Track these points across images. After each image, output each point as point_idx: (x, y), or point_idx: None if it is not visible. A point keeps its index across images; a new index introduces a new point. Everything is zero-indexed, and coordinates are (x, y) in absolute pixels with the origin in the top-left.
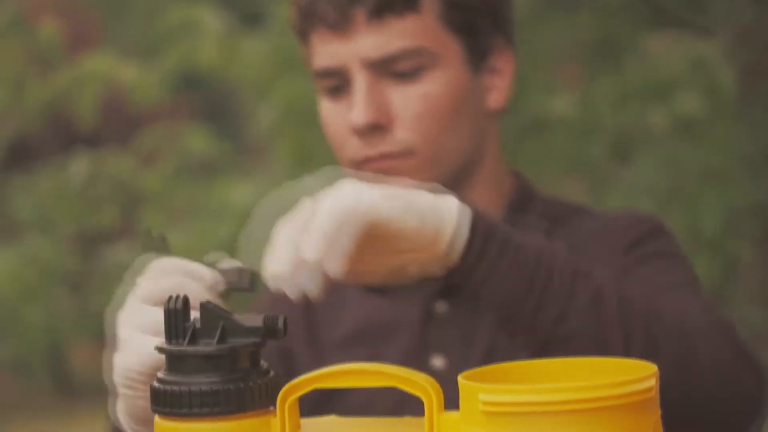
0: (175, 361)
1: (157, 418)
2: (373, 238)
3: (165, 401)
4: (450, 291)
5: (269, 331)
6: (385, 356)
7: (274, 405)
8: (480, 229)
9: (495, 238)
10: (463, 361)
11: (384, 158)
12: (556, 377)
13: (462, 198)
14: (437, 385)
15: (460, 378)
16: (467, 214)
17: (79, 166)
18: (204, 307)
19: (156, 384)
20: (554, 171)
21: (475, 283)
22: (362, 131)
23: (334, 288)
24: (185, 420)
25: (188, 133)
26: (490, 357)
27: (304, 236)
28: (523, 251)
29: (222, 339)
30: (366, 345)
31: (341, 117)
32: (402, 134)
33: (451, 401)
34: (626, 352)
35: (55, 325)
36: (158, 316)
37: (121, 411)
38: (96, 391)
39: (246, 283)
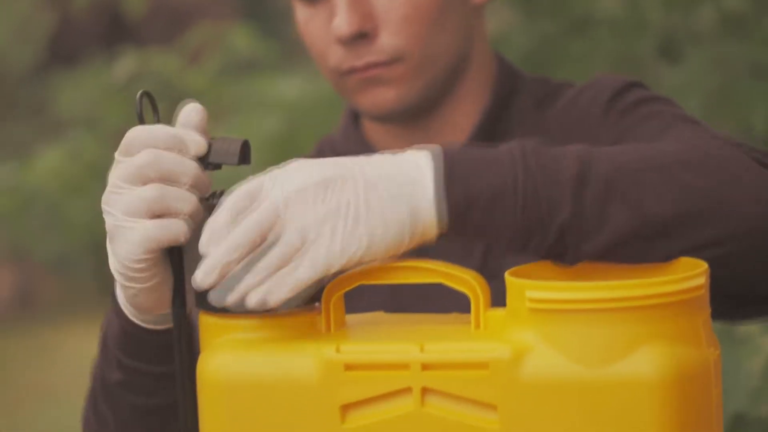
0: None
1: (202, 315)
2: None
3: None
4: None
5: None
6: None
7: (320, 302)
8: (458, 205)
9: (475, 204)
10: (462, 261)
11: (371, 67)
12: (605, 275)
13: (450, 99)
14: (484, 282)
15: (507, 274)
16: (441, 191)
17: (124, 64)
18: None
19: None
20: (600, 70)
21: (473, 239)
22: (346, 41)
23: None
24: (230, 317)
25: (232, 31)
26: (489, 255)
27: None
28: (509, 199)
29: None
30: None
31: (321, 24)
32: (389, 40)
33: (457, 305)
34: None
35: (98, 223)
36: (141, 195)
37: (120, 297)
38: None
39: (233, 157)
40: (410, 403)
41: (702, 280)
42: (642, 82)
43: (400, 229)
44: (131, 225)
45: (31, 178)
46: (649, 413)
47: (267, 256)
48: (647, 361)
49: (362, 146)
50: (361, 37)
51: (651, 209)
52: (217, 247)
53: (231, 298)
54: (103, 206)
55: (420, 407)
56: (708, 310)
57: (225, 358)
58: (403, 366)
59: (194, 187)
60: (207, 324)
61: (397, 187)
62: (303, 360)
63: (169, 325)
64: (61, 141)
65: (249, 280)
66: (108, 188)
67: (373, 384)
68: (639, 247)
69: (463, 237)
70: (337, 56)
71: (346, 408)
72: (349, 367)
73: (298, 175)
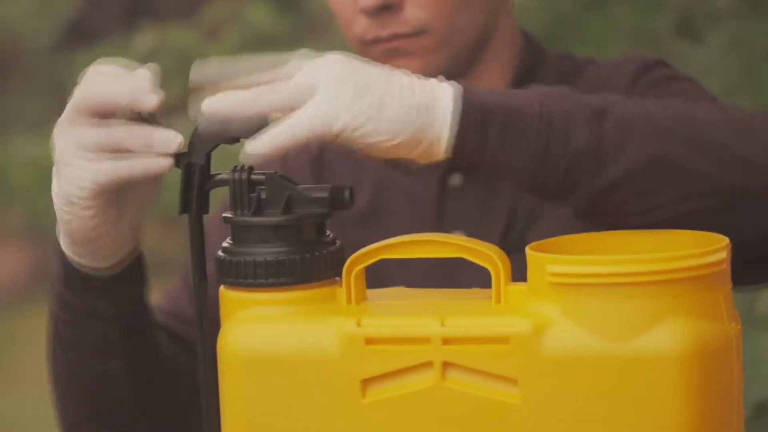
0: (240, 232)
1: (222, 288)
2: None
3: (230, 271)
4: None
5: (335, 201)
6: (403, 233)
7: (340, 275)
8: (475, 113)
9: (492, 118)
10: (482, 235)
11: (395, 39)
12: (626, 249)
13: (471, 73)
14: (504, 256)
15: (528, 249)
16: (459, 102)
17: (143, 40)
18: (270, 177)
19: (221, 254)
20: (617, 47)
21: (484, 167)
22: (372, 12)
23: (349, 160)
24: (250, 290)
25: (251, 6)
26: (509, 229)
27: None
28: (528, 117)
29: (288, 210)
30: (382, 221)
31: None
32: (414, 12)
33: (474, 280)
34: (681, 171)
35: None
36: (92, 130)
37: (62, 239)
38: (162, 270)
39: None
40: (431, 377)
41: (723, 255)
42: (666, 60)
43: (415, 111)
44: (82, 163)
45: (50, 153)
46: (670, 387)
47: (276, 91)
48: (668, 336)
49: None
50: (387, 8)
51: (666, 149)
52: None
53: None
54: (54, 138)
55: (441, 381)
56: (729, 285)
57: (245, 332)
58: (424, 340)
59: (134, 105)
60: (227, 298)
61: (420, 85)
62: (324, 334)
63: (106, 267)
64: None
65: (255, 106)
66: (62, 119)
67: (394, 358)
68: (652, 185)
69: (477, 158)
70: (361, 26)
71: (366, 382)
72: (369, 341)
73: (335, 54)
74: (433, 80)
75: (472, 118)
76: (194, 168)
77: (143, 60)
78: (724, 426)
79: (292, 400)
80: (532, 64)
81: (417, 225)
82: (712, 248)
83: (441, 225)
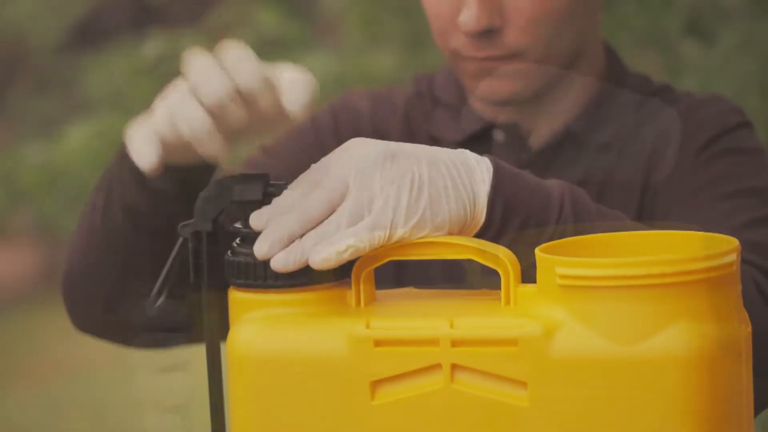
0: (250, 236)
1: (231, 290)
2: None
3: (239, 272)
4: None
5: None
6: None
7: (350, 277)
8: (501, 207)
9: (514, 213)
10: None
11: (489, 60)
12: (636, 252)
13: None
14: (514, 258)
15: (537, 251)
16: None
17: (153, 45)
18: (280, 187)
19: (230, 255)
20: (626, 45)
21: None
22: (473, 35)
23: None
24: (260, 291)
25: (260, 10)
26: None
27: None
28: (545, 220)
29: None
30: None
31: (449, 5)
32: (513, 37)
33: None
34: None
35: None
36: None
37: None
38: None
39: (258, 194)
40: (440, 379)
41: (733, 257)
42: (751, 122)
43: (462, 206)
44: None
45: (60, 155)
46: (679, 390)
47: (336, 217)
48: (678, 338)
49: (459, 99)
50: (488, 31)
51: None
52: (286, 218)
53: (295, 260)
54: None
55: (449, 383)
56: (739, 287)
57: (254, 333)
58: (433, 342)
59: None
60: (236, 299)
61: (457, 170)
62: (333, 336)
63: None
64: (90, 119)
65: (316, 242)
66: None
67: (403, 360)
68: None
69: (495, 239)
70: (459, 41)
71: (375, 384)
72: (378, 343)
73: (361, 149)
74: (468, 154)
75: (502, 208)
76: (201, 236)
77: (154, 64)
78: (733, 429)
79: (300, 402)
80: (614, 83)
81: None
82: (721, 251)
83: None
